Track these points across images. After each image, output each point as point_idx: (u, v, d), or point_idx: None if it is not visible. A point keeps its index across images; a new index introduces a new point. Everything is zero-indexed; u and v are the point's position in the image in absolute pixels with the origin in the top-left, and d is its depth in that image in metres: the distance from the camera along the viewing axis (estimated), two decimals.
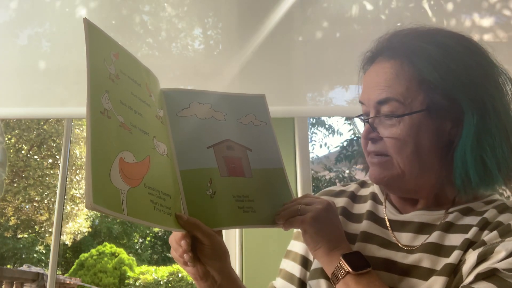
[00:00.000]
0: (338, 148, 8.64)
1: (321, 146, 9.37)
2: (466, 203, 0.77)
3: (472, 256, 0.67)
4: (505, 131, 0.73)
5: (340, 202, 0.86)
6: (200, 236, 0.72)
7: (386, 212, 0.82)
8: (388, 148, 0.75)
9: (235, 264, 1.66)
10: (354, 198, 0.88)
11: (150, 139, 0.74)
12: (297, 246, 0.89)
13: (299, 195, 1.69)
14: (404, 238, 0.77)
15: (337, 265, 0.70)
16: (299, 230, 0.89)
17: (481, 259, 0.65)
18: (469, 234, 0.71)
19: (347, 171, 8.99)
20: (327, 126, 9.50)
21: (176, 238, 0.75)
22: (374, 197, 0.86)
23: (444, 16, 1.84)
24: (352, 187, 0.91)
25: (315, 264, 0.81)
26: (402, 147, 0.74)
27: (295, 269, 0.86)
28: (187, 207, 0.75)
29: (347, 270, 0.69)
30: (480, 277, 0.63)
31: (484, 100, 0.72)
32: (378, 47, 0.80)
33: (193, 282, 0.82)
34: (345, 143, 8.56)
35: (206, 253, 0.74)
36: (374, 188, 0.88)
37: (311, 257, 0.85)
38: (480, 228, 0.71)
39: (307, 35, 1.83)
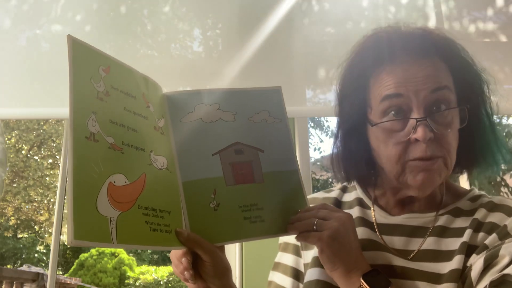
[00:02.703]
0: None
1: (314, 149, 9.08)
2: (452, 203, 0.78)
3: (478, 262, 0.67)
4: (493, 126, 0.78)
5: None
6: (201, 253, 0.70)
7: (376, 216, 0.81)
8: (442, 147, 0.70)
9: (235, 272, 1.63)
10: (339, 204, 0.87)
11: (146, 154, 0.70)
12: (286, 258, 0.87)
13: None
14: (397, 242, 0.76)
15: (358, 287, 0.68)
16: (288, 241, 0.88)
17: (488, 263, 0.66)
18: (465, 237, 0.71)
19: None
20: (324, 127, 9.38)
21: (177, 255, 0.73)
22: (360, 202, 0.84)
23: (444, 18, 1.84)
24: (334, 193, 0.89)
25: (309, 276, 0.79)
26: (453, 145, 0.72)
27: (286, 282, 0.84)
28: (189, 222, 0.71)
29: None
30: (492, 285, 0.64)
31: (484, 103, 0.77)
32: (400, 46, 0.74)
33: None
34: None
35: (207, 270, 0.71)
36: (358, 193, 0.86)
37: (302, 269, 0.84)
38: (474, 230, 0.72)
39: (307, 35, 1.84)
